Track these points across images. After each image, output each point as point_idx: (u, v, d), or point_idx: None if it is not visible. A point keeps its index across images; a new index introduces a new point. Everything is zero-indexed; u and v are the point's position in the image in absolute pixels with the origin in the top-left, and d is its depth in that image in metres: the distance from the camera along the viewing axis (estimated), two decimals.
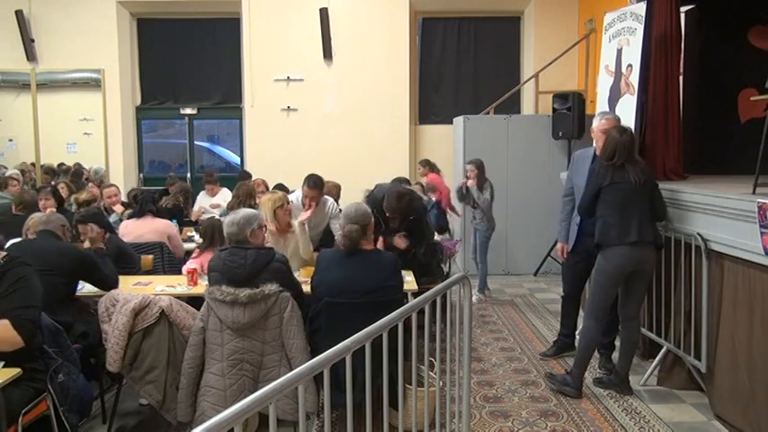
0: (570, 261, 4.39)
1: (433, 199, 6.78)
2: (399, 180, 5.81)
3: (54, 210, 5.22)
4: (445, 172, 7.57)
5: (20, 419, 2.57)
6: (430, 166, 7.30)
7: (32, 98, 9.17)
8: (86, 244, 4.02)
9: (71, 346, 3.11)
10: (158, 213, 5.22)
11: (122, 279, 4.07)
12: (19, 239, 4.01)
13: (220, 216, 5.09)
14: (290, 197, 4.79)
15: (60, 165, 9.22)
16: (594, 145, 4.12)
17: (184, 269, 4.10)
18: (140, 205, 5.09)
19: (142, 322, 3.16)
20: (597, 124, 4.05)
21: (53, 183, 7.41)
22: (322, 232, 4.89)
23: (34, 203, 5.17)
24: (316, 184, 4.66)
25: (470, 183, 6.10)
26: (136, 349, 3.17)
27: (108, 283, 3.66)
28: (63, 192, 6.19)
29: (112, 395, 3.68)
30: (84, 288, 3.75)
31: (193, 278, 3.89)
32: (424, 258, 4.52)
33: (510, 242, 7.52)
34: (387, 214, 4.44)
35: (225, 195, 7.31)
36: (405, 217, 4.49)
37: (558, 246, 4.50)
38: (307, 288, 3.50)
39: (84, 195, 5.72)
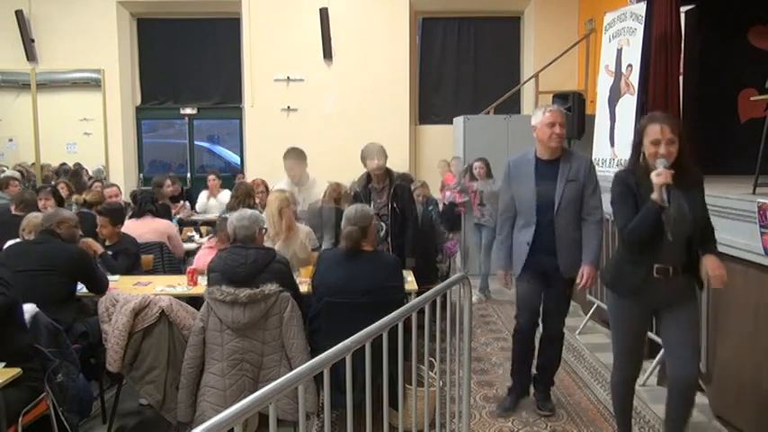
0: (524, 285, 3.50)
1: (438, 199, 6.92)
2: (404, 176, 5.78)
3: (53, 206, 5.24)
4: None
5: (20, 419, 2.58)
6: (448, 166, 7.34)
7: (32, 98, 9.17)
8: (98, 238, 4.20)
9: (70, 347, 3.11)
10: (158, 213, 5.22)
11: (122, 279, 4.09)
12: (18, 240, 4.01)
13: (221, 216, 5.08)
14: (280, 185, 4.79)
15: (62, 164, 9.23)
16: (537, 145, 3.42)
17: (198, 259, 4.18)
18: (140, 205, 5.10)
19: (142, 322, 3.16)
20: (541, 118, 3.32)
21: (53, 183, 7.42)
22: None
23: (34, 203, 5.17)
24: (297, 155, 4.62)
25: (478, 183, 6.23)
26: (136, 349, 3.17)
27: (101, 287, 3.65)
28: (63, 192, 6.19)
29: (113, 395, 3.69)
30: (84, 288, 3.75)
31: (193, 278, 3.90)
32: (412, 236, 4.51)
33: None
34: (371, 182, 4.52)
35: (226, 196, 7.35)
36: (391, 182, 4.52)
37: (500, 274, 3.63)
38: (305, 288, 3.49)
39: (90, 196, 5.73)
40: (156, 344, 3.18)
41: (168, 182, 7.31)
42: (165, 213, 5.94)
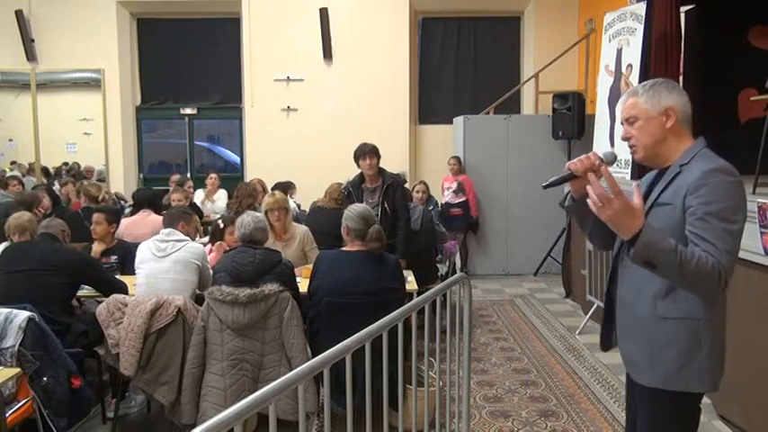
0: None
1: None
2: (395, 177, 5.80)
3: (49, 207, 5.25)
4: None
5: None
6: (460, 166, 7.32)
7: (32, 98, 9.17)
8: (95, 237, 4.21)
9: (60, 349, 3.05)
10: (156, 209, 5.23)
11: (121, 278, 4.08)
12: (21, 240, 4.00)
13: (221, 217, 5.08)
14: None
15: (65, 164, 9.23)
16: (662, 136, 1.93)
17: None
18: (136, 203, 5.14)
19: (157, 323, 3.16)
20: (681, 98, 1.91)
21: (56, 184, 7.42)
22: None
23: (33, 203, 5.16)
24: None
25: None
26: (150, 351, 3.17)
27: (111, 286, 3.61)
28: (70, 192, 6.23)
29: (113, 396, 3.69)
30: (84, 289, 3.74)
31: None
32: (404, 237, 4.50)
33: (510, 242, 7.51)
34: (364, 182, 4.56)
35: (221, 198, 7.31)
36: (384, 182, 4.53)
37: None
38: (303, 289, 3.49)
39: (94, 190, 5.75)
40: (170, 344, 3.18)
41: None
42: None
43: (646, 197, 1.92)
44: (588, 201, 1.71)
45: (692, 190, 1.77)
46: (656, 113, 1.88)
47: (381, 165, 4.60)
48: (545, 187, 1.96)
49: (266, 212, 4.20)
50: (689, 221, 1.76)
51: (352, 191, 4.57)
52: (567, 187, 2.01)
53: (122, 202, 7.21)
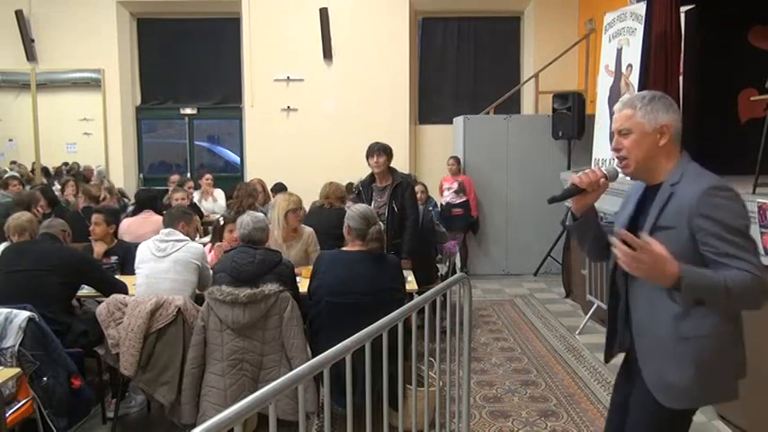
0: (615, 387, 2.18)
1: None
2: (406, 177, 5.81)
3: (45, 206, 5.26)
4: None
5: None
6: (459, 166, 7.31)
7: (32, 98, 9.17)
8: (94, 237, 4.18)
9: (60, 349, 3.06)
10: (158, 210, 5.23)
11: (121, 278, 4.08)
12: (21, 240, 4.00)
13: (221, 216, 5.09)
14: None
15: (65, 164, 9.23)
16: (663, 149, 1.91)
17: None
18: (138, 203, 5.13)
19: (157, 323, 3.16)
20: (676, 116, 1.94)
21: (56, 183, 7.42)
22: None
23: (31, 203, 5.16)
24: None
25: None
26: (150, 351, 3.17)
27: (111, 286, 3.61)
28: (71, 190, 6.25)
29: (113, 396, 3.69)
30: (84, 289, 3.74)
31: None
32: (411, 237, 4.50)
33: (510, 242, 7.51)
34: (374, 182, 4.56)
35: (220, 196, 7.31)
36: (394, 179, 4.54)
37: None
38: (303, 289, 3.49)
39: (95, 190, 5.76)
40: (170, 344, 3.17)
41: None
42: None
43: (638, 215, 1.93)
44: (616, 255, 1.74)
45: (697, 212, 1.74)
46: (652, 130, 1.86)
47: None
48: (550, 202, 2.00)
49: (287, 213, 4.18)
50: (708, 242, 1.73)
51: (362, 190, 4.59)
52: (567, 203, 2.02)
53: (126, 200, 7.22)
